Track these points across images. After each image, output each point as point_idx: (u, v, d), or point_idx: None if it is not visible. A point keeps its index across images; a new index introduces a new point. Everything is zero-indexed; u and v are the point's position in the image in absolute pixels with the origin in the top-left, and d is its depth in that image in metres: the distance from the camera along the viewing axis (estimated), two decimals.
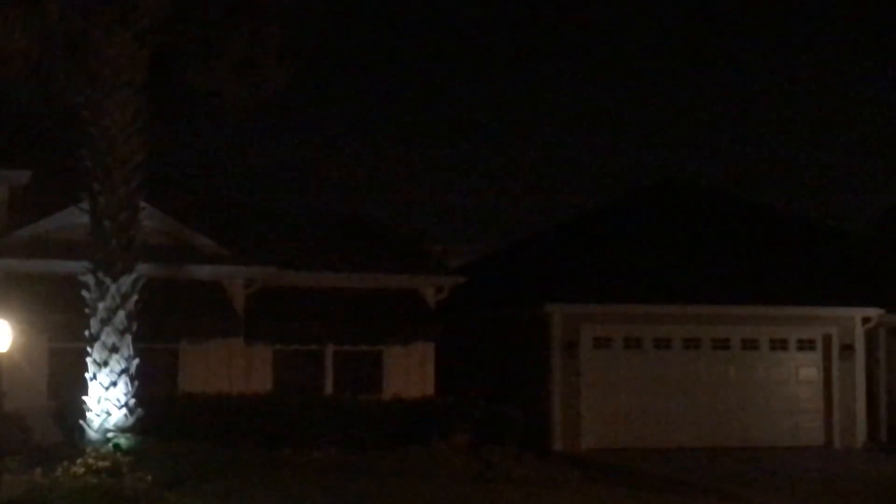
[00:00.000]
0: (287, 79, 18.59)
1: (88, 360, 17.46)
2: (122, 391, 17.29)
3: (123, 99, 17.47)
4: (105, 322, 17.37)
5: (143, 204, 18.18)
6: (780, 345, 25.54)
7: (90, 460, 15.65)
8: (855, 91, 61.45)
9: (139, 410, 17.43)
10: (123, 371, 17.32)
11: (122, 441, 16.88)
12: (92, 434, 17.19)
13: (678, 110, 63.69)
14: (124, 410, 17.27)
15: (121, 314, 17.35)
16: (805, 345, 25.63)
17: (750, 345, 25.38)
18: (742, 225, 28.78)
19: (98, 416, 17.24)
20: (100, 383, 17.29)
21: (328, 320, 22.42)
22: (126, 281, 17.41)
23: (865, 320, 25.55)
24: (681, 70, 63.22)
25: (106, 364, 17.30)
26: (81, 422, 17.40)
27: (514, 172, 62.00)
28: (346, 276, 23.06)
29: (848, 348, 25.39)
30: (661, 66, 64.90)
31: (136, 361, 17.48)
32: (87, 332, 17.55)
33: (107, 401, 17.25)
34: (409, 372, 23.13)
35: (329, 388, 22.70)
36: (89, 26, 17.26)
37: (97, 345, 17.37)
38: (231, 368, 21.63)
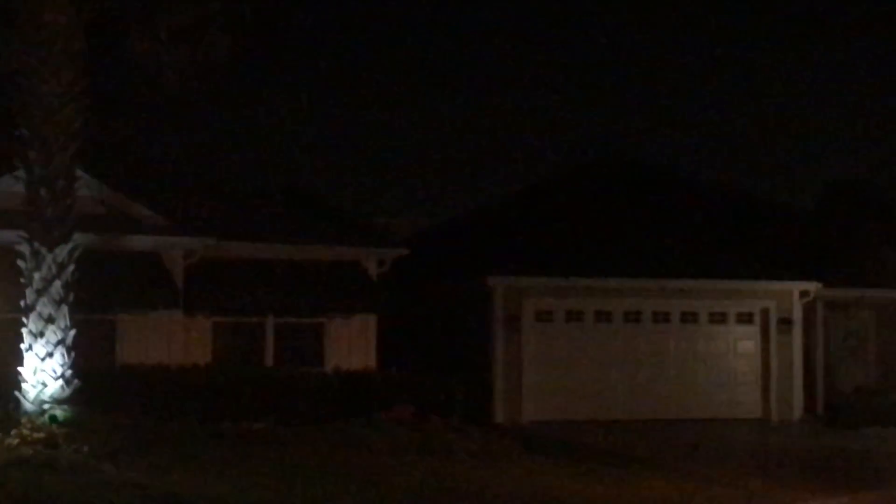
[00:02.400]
0: (229, 48, 18.35)
1: (24, 330, 17.20)
2: (58, 362, 17.05)
3: (59, 65, 17.16)
4: (41, 292, 17.11)
5: (79, 172, 17.91)
6: (719, 318, 25.76)
7: (25, 431, 15.44)
8: (797, 66, 61.99)
9: (76, 382, 17.20)
10: (60, 342, 17.08)
11: (59, 413, 16.64)
12: (27, 405, 16.93)
13: (621, 85, 63.93)
14: (61, 382, 17.03)
15: (57, 284, 17.09)
16: (743, 318, 25.87)
17: (689, 318, 25.58)
18: (683, 201, 28.98)
19: (34, 387, 16.99)
20: (35, 354, 17.04)
21: (268, 292, 22.27)
22: (62, 251, 17.15)
23: (803, 294, 25.82)
24: (624, 44, 63.45)
25: (42, 335, 17.04)
26: (16, 393, 17.15)
27: (458, 146, 61.98)
28: (288, 248, 22.89)
29: (786, 322, 25.65)
30: (604, 38, 65.08)
31: (72, 332, 17.24)
32: (22, 303, 17.29)
33: (42, 372, 17.00)
34: (351, 344, 23.05)
35: (270, 360, 22.58)
36: None
37: (33, 315, 17.11)
38: (170, 340, 21.42)
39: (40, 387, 16.97)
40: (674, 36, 63.97)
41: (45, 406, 16.78)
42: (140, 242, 21.16)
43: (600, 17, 64.25)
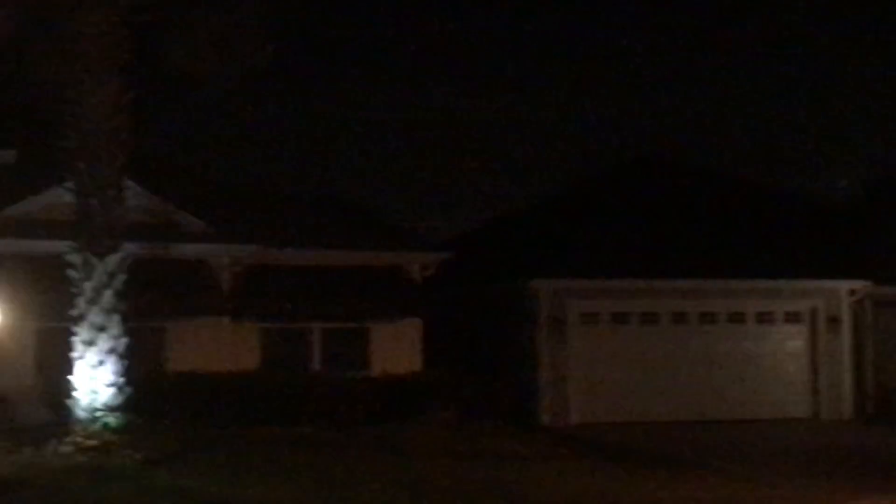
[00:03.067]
0: (268, 56, 18.50)
1: (76, 339, 17.41)
2: (110, 370, 17.25)
3: (107, 77, 17.39)
4: (92, 301, 17.32)
5: (128, 182, 18.12)
6: (766, 318, 25.62)
7: (79, 439, 15.65)
8: (840, 61, 61.49)
9: (127, 389, 17.40)
10: (111, 350, 17.28)
11: (111, 420, 16.86)
12: (80, 413, 17.15)
13: (662, 83, 63.65)
14: (113, 389, 17.23)
15: (108, 293, 17.29)
16: (791, 317, 25.70)
17: (737, 318, 25.44)
18: (727, 199, 28.78)
19: (86, 395, 17.20)
20: (87, 363, 17.24)
21: (314, 298, 22.40)
22: (112, 260, 17.36)
23: (852, 292, 25.62)
24: (664, 41, 63.21)
25: (93, 343, 17.25)
26: (69, 401, 17.36)
27: (499, 148, 61.92)
28: (333, 254, 23.03)
29: (834, 321, 25.47)
30: (643, 35, 64.83)
31: (123, 340, 17.44)
32: (74, 312, 17.50)
33: (94, 380, 17.20)
34: (397, 348, 23.13)
35: (317, 365, 22.71)
36: (72, 5, 17.16)
37: (84, 324, 17.32)
38: (219, 347, 21.59)
39: (92, 395, 17.18)
40: (712, 32, 63.65)
41: (98, 414, 16.99)
42: (188, 251, 21.35)
43: (639, 14, 64.03)
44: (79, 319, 17.39)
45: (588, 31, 65.19)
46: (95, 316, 17.26)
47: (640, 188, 28.87)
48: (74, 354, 17.39)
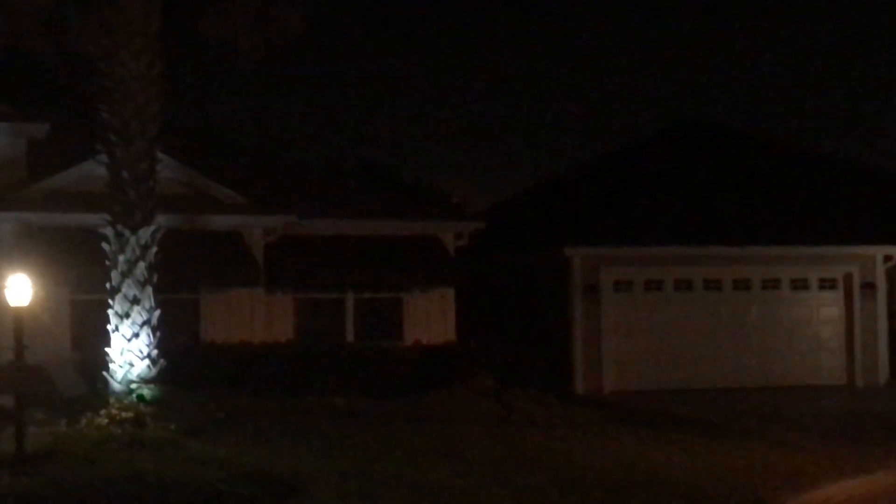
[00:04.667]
0: (302, 27, 18.49)
1: (110, 312, 17.55)
2: (144, 342, 17.38)
3: (138, 48, 17.43)
4: (125, 274, 17.44)
5: (160, 154, 18.17)
6: (801, 284, 25.48)
7: (113, 411, 15.75)
8: (868, 25, 60.81)
9: (161, 361, 17.53)
10: (145, 322, 17.40)
11: (145, 391, 17.00)
12: (115, 385, 17.31)
13: (698, 47, 63.17)
14: (147, 361, 17.37)
15: (141, 266, 17.40)
16: (826, 284, 25.56)
17: (771, 285, 25.33)
18: (761, 164, 28.63)
19: (121, 367, 17.35)
20: (122, 335, 17.38)
21: (348, 268, 22.44)
22: (145, 232, 17.45)
23: (887, 258, 25.45)
24: (699, 4, 62.66)
25: (127, 316, 17.38)
26: (104, 373, 17.52)
27: (530, 117, 61.68)
28: (366, 224, 23.03)
29: (869, 286, 25.32)
30: (673, 3, 64.28)
31: (157, 312, 17.56)
32: (107, 285, 17.62)
33: (129, 352, 17.35)
34: (430, 318, 23.16)
35: (350, 335, 22.76)
36: None
37: (118, 297, 17.45)
38: (252, 317, 21.68)
39: (127, 367, 17.32)
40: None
41: (133, 386, 17.14)
42: (221, 222, 21.40)
43: None
44: (113, 292, 17.52)
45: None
46: (129, 288, 17.37)
47: (676, 153, 28.73)
48: (109, 327, 17.53)
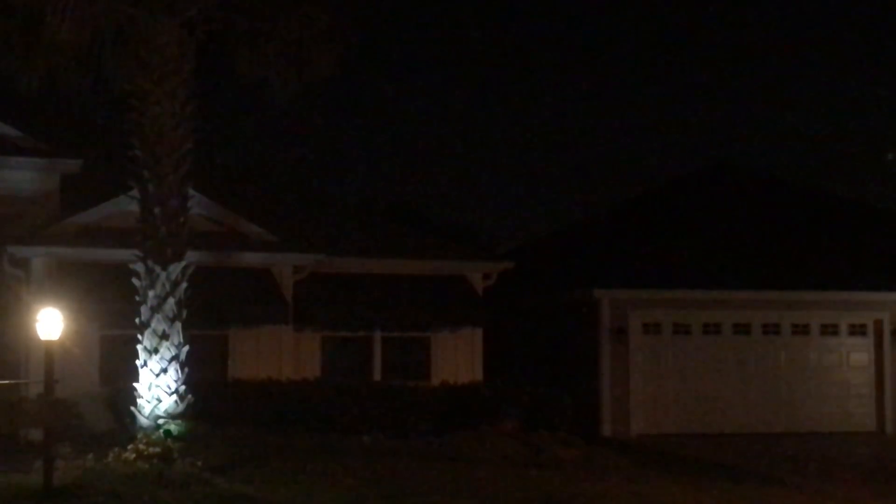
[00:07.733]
0: (334, 65, 18.60)
1: (139, 347, 17.62)
2: (172, 378, 17.43)
3: (172, 87, 17.58)
4: (155, 309, 17.51)
5: (191, 191, 18.28)
6: (830, 330, 25.32)
7: (141, 446, 15.79)
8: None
9: (189, 397, 17.57)
10: (173, 358, 17.46)
11: (173, 427, 17.03)
12: (143, 420, 17.35)
13: (729, 93, 63.19)
14: (175, 397, 17.41)
15: (171, 301, 17.48)
16: (856, 330, 25.40)
17: (800, 330, 25.18)
18: (792, 209, 28.55)
19: (149, 402, 17.39)
20: (150, 370, 17.44)
21: (376, 307, 22.46)
22: (176, 268, 17.54)
23: None
24: (732, 50, 62.71)
25: (156, 351, 17.44)
26: (132, 408, 17.56)
27: (561, 159, 61.79)
28: (394, 262, 23.06)
29: None
30: (709, 48, 64.40)
31: (185, 348, 17.62)
32: (137, 320, 17.70)
33: (157, 387, 17.40)
34: (458, 358, 23.12)
35: (377, 374, 22.74)
36: (137, 14, 17.37)
37: (147, 332, 17.52)
38: (280, 355, 21.70)
39: (155, 402, 17.36)
40: (779, 41, 63.10)
41: (160, 421, 17.17)
42: (250, 259, 21.48)
43: (709, 23, 63.63)
44: (142, 327, 17.59)
45: (663, 36, 64.85)
46: (158, 324, 17.45)
47: (705, 197, 28.69)
48: (138, 362, 17.59)
